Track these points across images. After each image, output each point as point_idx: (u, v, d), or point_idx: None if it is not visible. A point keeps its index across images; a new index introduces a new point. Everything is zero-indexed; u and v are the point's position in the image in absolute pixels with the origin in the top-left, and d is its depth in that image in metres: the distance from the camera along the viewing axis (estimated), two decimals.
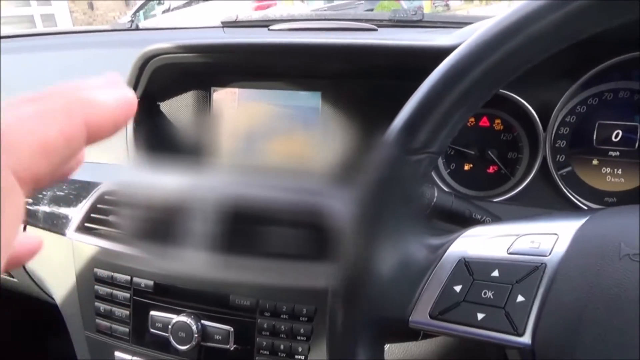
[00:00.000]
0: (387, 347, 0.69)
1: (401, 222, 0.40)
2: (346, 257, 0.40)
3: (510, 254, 0.37)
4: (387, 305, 0.39)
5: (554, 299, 0.34)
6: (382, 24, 1.05)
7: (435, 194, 0.53)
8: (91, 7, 9.61)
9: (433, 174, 0.73)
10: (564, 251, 0.35)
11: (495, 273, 0.37)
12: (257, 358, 0.69)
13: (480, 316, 0.36)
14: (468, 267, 0.38)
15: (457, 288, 0.37)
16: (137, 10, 2.25)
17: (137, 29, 1.34)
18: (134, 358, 0.76)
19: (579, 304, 0.32)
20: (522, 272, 0.36)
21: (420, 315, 0.38)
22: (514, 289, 0.36)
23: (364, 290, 0.39)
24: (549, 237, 0.37)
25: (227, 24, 1.17)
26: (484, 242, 0.39)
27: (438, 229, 0.49)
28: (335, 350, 0.41)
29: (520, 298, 0.35)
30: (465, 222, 0.54)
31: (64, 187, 0.83)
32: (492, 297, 0.36)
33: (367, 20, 1.05)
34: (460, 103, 0.38)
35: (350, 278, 0.40)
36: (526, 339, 0.34)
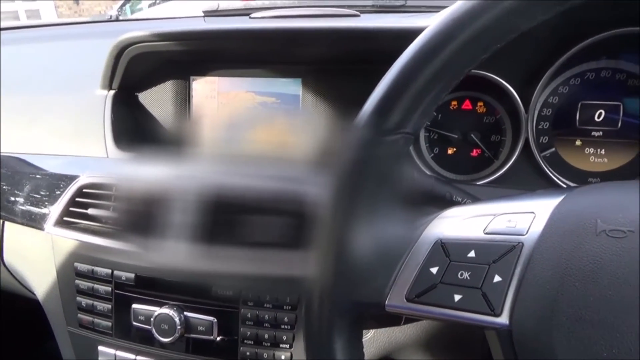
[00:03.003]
0: (372, 333, 0.69)
1: (376, 204, 0.39)
2: (320, 241, 0.39)
3: (486, 234, 0.36)
4: (363, 290, 0.38)
5: (530, 278, 0.33)
6: (364, 10, 1.03)
7: (415, 176, 0.52)
8: (76, 1, 9.47)
9: (416, 158, 0.73)
10: (540, 230, 0.34)
11: (472, 254, 0.36)
12: (241, 348, 0.68)
13: (457, 298, 0.35)
14: (444, 249, 0.37)
15: (434, 270, 0.37)
16: (124, 4, 2.21)
17: (118, 20, 1.32)
18: (118, 352, 0.75)
19: (555, 282, 0.32)
20: (498, 252, 0.35)
21: (396, 298, 0.38)
22: (490, 269, 0.35)
23: (338, 275, 0.38)
24: (525, 216, 0.36)
25: (208, 13, 1.15)
26: (460, 222, 0.38)
27: (417, 212, 0.48)
28: (312, 336, 0.40)
29: (497, 278, 0.34)
30: (445, 205, 0.53)
31: (41, 180, 0.81)
32: (468, 278, 0.35)
33: (349, 7, 1.04)
34: (433, 82, 0.37)
35: (324, 263, 0.39)
36: (503, 319, 0.34)
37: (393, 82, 0.37)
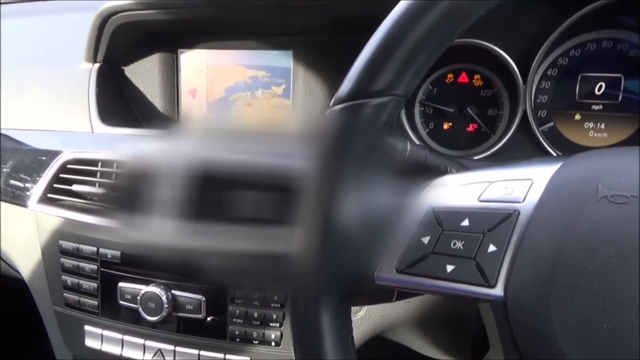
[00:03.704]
0: (363, 311, 0.67)
1: (364, 172, 0.37)
2: (306, 211, 0.37)
3: (481, 201, 0.34)
4: (350, 262, 0.36)
5: (527, 247, 0.31)
6: None
7: (408, 148, 0.50)
8: None
9: (411, 134, 0.71)
10: (538, 197, 0.32)
11: (466, 222, 0.34)
12: (230, 327, 0.67)
13: (449, 268, 0.33)
14: (437, 217, 0.35)
15: (425, 239, 0.35)
16: None
17: None
18: (105, 332, 0.73)
19: (553, 250, 0.30)
20: (493, 221, 0.33)
21: (386, 270, 0.36)
22: (485, 239, 0.33)
23: (324, 246, 0.36)
24: (522, 183, 0.34)
25: None
26: (454, 190, 0.36)
27: (408, 182, 0.46)
28: (297, 311, 0.38)
29: (491, 248, 0.32)
30: (440, 176, 0.51)
31: (24, 156, 0.78)
32: (462, 247, 0.33)
33: None
34: (425, 40, 0.34)
35: (309, 234, 0.37)
36: (498, 290, 0.32)
37: (383, 40, 0.35)
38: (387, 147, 0.48)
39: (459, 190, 0.36)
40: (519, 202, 0.33)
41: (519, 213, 0.33)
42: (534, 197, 0.33)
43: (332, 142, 0.36)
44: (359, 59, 0.36)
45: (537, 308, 0.30)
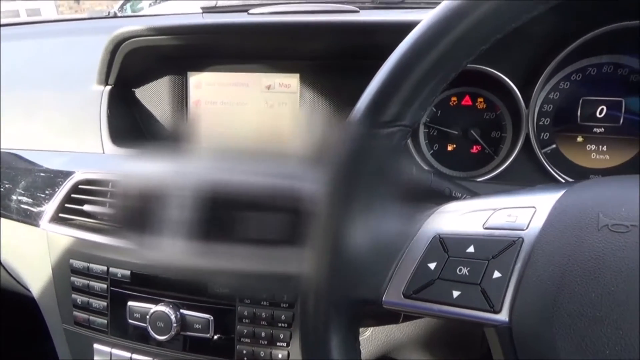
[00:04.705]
0: (370, 331, 0.68)
1: (372, 199, 0.38)
2: (316, 236, 0.38)
3: (486, 229, 0.36)
4: (360, 286, 0.38)
5: (531, 274, 0.32)
6: (364, 5, 1.02)
7: (414, 172, 0.51)
8: (77, 0, 9.46)
9: (415, 155, 0.72)
10: (541, 225, 0.34)
11: (471, 249, 0.35)
12: (238, 346, 0.67)
13: (455, 294, 0.34)
14: (443, 244, 0.36)
15: (432, 265, 0.36)
16: (124, 4, 2.20)
17: (115, 16, 1.31)
18: (114, 350, 0.74)
19: (556, 278, 0.31)
20: (498, 248, 0.34)
21: (394, 295, 0.37)
22: (490, 265, 0.34)
23: (334, 271, 0.38)
24: (526, 211, 0.35)
25: (206, 10, 1.14)
26: (459, 217, 0.37)
27: (415, 207, 0.47)
28: (308, 333, 0.39)
29: (496, 274, 0.34)
30: (444, 200, 0.52)
31: (37, 176, 0.80)
32: (467, 273, 0.34)
33: (348, 3, 1.03)
34: (432, 73, 0.36)
35: (320, 258, 0.38)
36: (503, 316, 0.33)
37: (391, 73, 0.36)
38: (394, 173, 0.50)
39: (465, 217, 0.37)
40: (522, 230, 0.34)
41: (522, 240, 0.34)
42: (537, 224, 0.34)
43: (341, 170, 0.38)
44: (367, 90, 0.37)
45: (542, 333, 0.31)
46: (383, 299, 0.37)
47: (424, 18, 0.36)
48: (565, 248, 0.32)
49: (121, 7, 1.92)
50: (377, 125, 0.37)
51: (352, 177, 0.37)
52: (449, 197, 0.52)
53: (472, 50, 0.36)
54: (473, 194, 0.54)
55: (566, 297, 0.30)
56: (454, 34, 0.34)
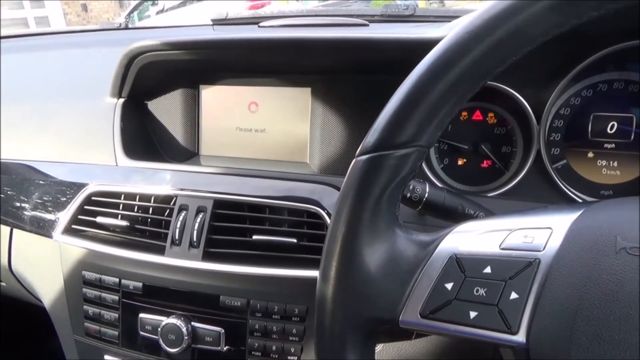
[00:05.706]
0: (380, 346, 0.68)
1: (389, 218, 0.38)
2: (332, 256, 0.38)
3: (502, 249, 0.36)
4: (376, 306, 0.38)
5: (548, 296, 0.32)
6: (373, 19, 1.04)
7: (427, 190, 0.52)
8: (85, 8, 9.56)
9: (426, 169, 0.72)
10: (558, 246, 0.34)
11: (488, 269, 0.35)
12: (248, 359, 0.67)
13: (472, 314, 0.35)
14: (459, 264, 0.36)
15: (449, 286, 0.36)
16: (131, 11, 2.22)
17: (127, 28, 1.33)
18: None
19: (574, 300, 0.31)
20: (515, 268, 0.34)
21: (410, 314, 0.37)
22: (507, 286, 0.34)
23: (351, 291, 0.38)
24: (542, 232, 0.36)
25: (217, 22, 1.16)
26: (475, 237, 0.38)
27: (430, 226, 0.47)
28: (324, 351, 0.40)
29: (513, 295, 0.34)
30: (458, 217, 0.53)
31: (50, 188, 0.81)
32: (484, 294, 0.35)
33: (358, 16, 1.04)
34: (448, 95, 0.36)
35: (337, 278, 0.38)
36: (520, 337, 0.33)
37: (408, 94, 0.37)
38: (410, 192, 0.50)
39: (481, 237, 0.37)
40: (539, 251, 0.34)
41: (539, 262, 0.34)
42: (554, 245, 0.34)
43: (357, 191, 0.38)
44: (384, 111, 0.38)
45: (559, 355, 0.31)
46: (400, 318, 0.37)
47: (442, 39, 0.36)
48: (582, 270, 0.32)
49: (128, 16, 1.94)
50: (394, 146, 0.37)
51: (368, 199, 0.38)
52: (462, 214, 0.52)
53: (489, 71, 0.36)
54: (486, 211, 0.54)
55: (584, 319, 0.30)
56: (471, 56, 0.35)
